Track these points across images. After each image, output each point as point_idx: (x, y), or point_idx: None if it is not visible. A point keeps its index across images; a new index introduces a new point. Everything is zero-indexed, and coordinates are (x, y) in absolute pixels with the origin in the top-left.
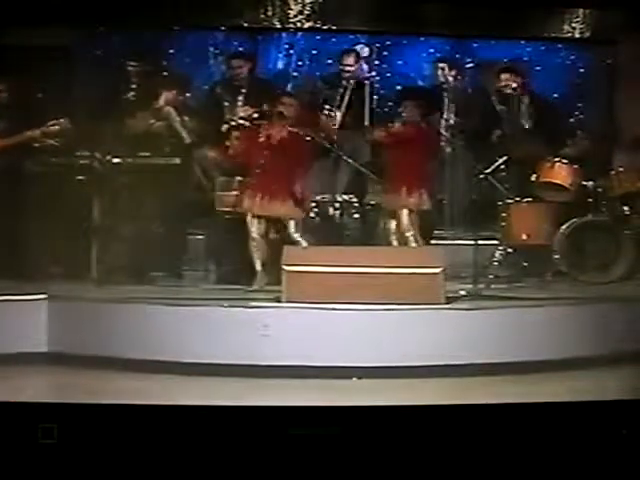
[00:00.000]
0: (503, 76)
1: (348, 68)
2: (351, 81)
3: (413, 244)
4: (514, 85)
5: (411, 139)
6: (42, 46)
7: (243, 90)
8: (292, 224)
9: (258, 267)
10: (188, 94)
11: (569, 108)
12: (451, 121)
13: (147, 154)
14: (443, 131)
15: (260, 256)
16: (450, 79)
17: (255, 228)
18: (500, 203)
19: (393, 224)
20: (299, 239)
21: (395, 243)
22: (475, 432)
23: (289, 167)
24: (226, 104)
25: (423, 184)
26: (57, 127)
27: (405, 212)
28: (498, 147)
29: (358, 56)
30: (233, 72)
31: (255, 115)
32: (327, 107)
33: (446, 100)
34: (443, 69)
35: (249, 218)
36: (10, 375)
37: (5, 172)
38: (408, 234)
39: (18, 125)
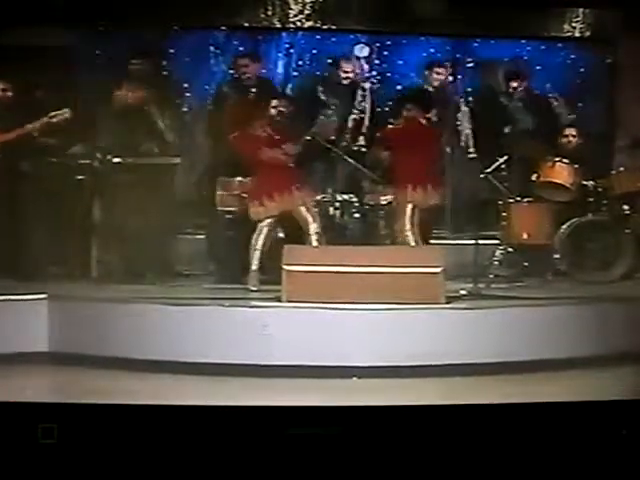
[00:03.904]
0: (510, 79)
1: (347, 74)
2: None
3: (412, 243)
4: (520, 88)
5: (412, 136)
6: (41, 46)
7: (253, 90)
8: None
9: (254, 267)
10: (187, 94)
11: (569, 108)
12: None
13: (146, 154)
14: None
15: (259, 256)
16: (445, 79)
17: (266, 225)
18: (501, 202)
19: (399, 223)
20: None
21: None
22: (475, 432)
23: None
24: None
25: (427, 179)
26: (60, 117)
27: (408, 210)
28: (500, 146)
29: (357, 59)
30: (240, 71)
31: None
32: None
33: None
34: (438, 73)
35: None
36: (10, 375)
37: (5, 171)
38: (407, 232)
39: (20, 124)
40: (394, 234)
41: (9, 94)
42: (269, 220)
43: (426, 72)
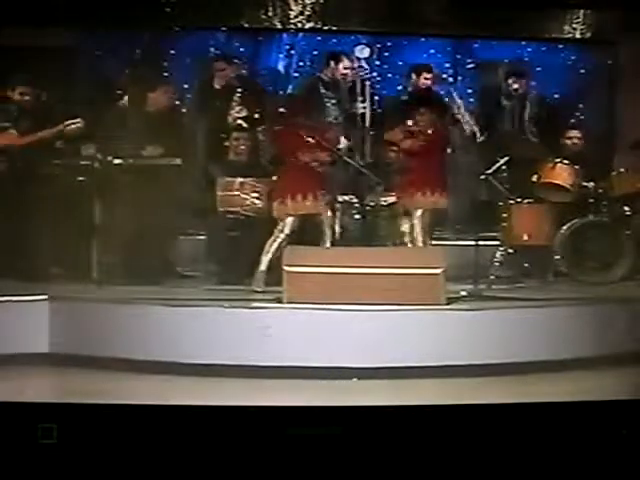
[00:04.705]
0: (511, 79)
1: (346, 70)
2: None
3: (421, 245)
4: (520, 87)
5: (433, 142)
6: (42, 47)
7: (238, 91)
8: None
9: (263, 268)
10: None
11: (570, 109)
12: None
13: (148, 154)
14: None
15: (269, 259)
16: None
17: (288, 228)
18: (501, 204)
19: (406, 225)
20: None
21: (408, 244)
22: (475, 432)
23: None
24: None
25: (441, 184)
26: (73, 127)
27: (419, 212)
28: (500, 147)
29: (357, 59)
30: (217, 74)
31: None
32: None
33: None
34: (427, 78)
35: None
36: (10, 375)
37: (6, 173)
38: (420, 235)
39: (33, 126)
40: (401, 237)
41: (27, 98)
42: (290, 225)
43: (413, 78)
